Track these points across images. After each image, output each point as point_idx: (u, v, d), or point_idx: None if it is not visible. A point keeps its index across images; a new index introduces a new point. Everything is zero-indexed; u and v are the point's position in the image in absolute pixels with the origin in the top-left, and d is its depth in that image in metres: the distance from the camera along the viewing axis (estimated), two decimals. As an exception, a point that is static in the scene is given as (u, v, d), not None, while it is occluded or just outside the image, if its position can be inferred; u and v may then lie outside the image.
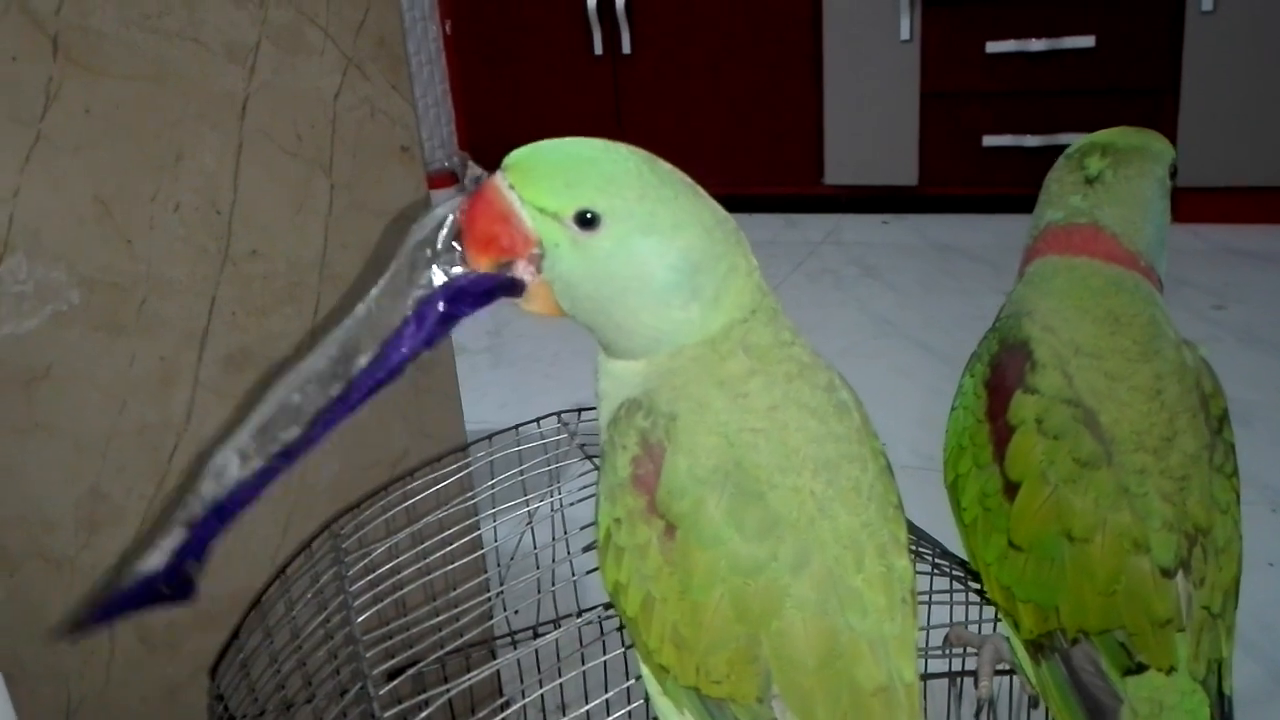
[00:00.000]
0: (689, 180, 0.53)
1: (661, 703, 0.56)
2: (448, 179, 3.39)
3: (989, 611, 0.74)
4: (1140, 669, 0.57)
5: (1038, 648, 0.60)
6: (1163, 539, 0.57)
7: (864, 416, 0.56)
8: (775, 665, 0.50)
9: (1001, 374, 0.61)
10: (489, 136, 3.56)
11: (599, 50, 3.30)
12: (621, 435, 0.53)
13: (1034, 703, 0.66)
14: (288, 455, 0.53)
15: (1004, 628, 0.65)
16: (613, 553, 0.53)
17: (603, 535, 0.54)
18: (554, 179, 0.50)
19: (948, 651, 0.75)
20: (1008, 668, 0.68)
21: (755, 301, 0.54)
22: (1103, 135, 0.69)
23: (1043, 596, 0.58)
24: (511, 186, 0.50)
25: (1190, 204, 2.87)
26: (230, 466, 0.54)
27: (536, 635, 0.87)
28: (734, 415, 0.52)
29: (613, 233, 0.50)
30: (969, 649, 0.72)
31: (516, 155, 0.51)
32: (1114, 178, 0.66)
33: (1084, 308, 0.62)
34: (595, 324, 0.53)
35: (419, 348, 0.51)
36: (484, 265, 0.51)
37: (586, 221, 0.50)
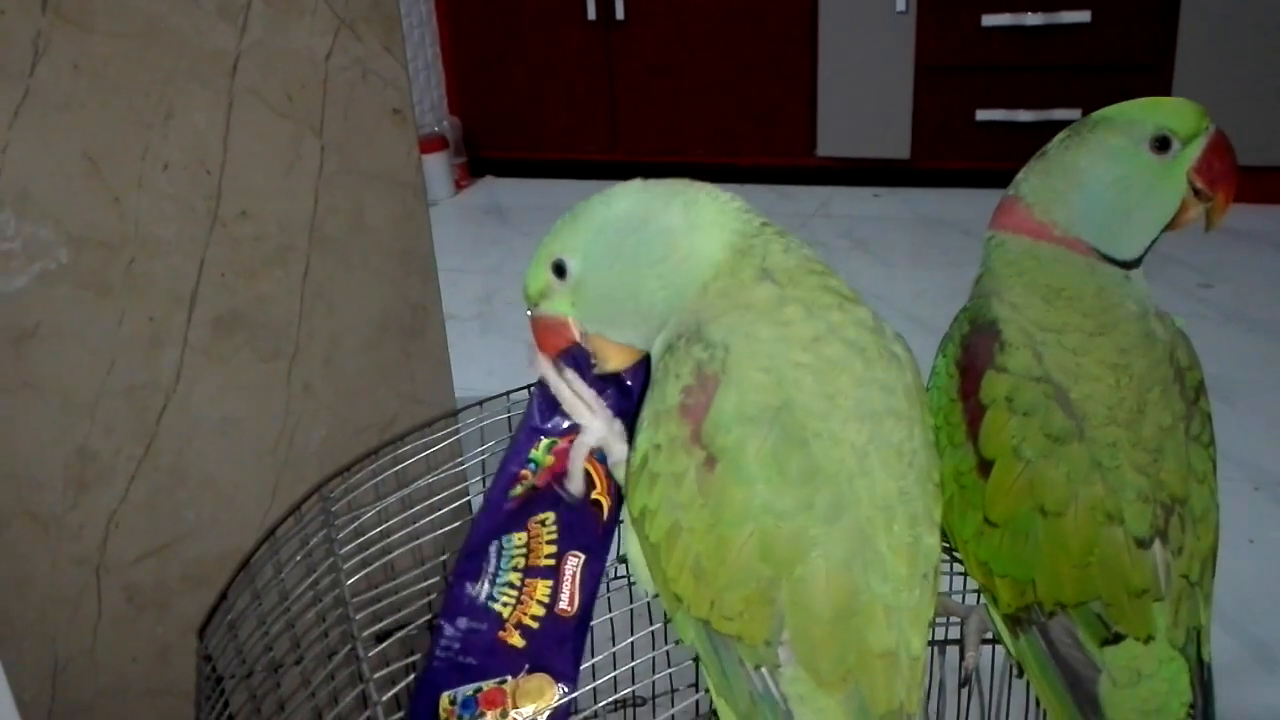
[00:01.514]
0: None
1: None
2: (438, 143, 3.37)
3: (973, 583, 0.75)
4: (1117, 639, 0.58)
5: (1016, 621, 0.61)
6: (1136, 510, 0.57)
7: (919, 383, 0.56)
8: (790, 611, 0.51)
9: (972, 354, 0.61)
10: (480, 101, 3.53)
11: (592, 15, 3.27)
12: (677, 363, 0.54)
13: (1019, 672, 0.67)
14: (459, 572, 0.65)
15: (986, 601, 0.65)
16: (646, 477, 0.54)
17: (639, 459, 0.55)
18: (530, 277, 0.61)
19: (933, 621, 0.75)
20: (993, 637, 0.68)
21: (741, 220, 0.57)
22: (1113, 108, 0.67)
23: (1019, 571, 0.59)
24: (530, 310, 0.62)
25: (1181, 182, 2.87)
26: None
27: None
28: (780, 347, 0.53)
29: (577, 257, 0.58)
30: (954, 618, 0.73)
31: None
32: (1056, 149, 0.65)
33: (1026, 283, 0.63)
34: (639, 325, 0.58)
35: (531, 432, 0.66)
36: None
37: (562, 272, 0.59)
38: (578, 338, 0.62)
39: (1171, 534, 0.59)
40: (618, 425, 0.63)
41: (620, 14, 3.24)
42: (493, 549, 0.65)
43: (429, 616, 0.72)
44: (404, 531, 0.74)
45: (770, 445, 0.51)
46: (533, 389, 0.67)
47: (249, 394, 0.88)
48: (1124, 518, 0.57)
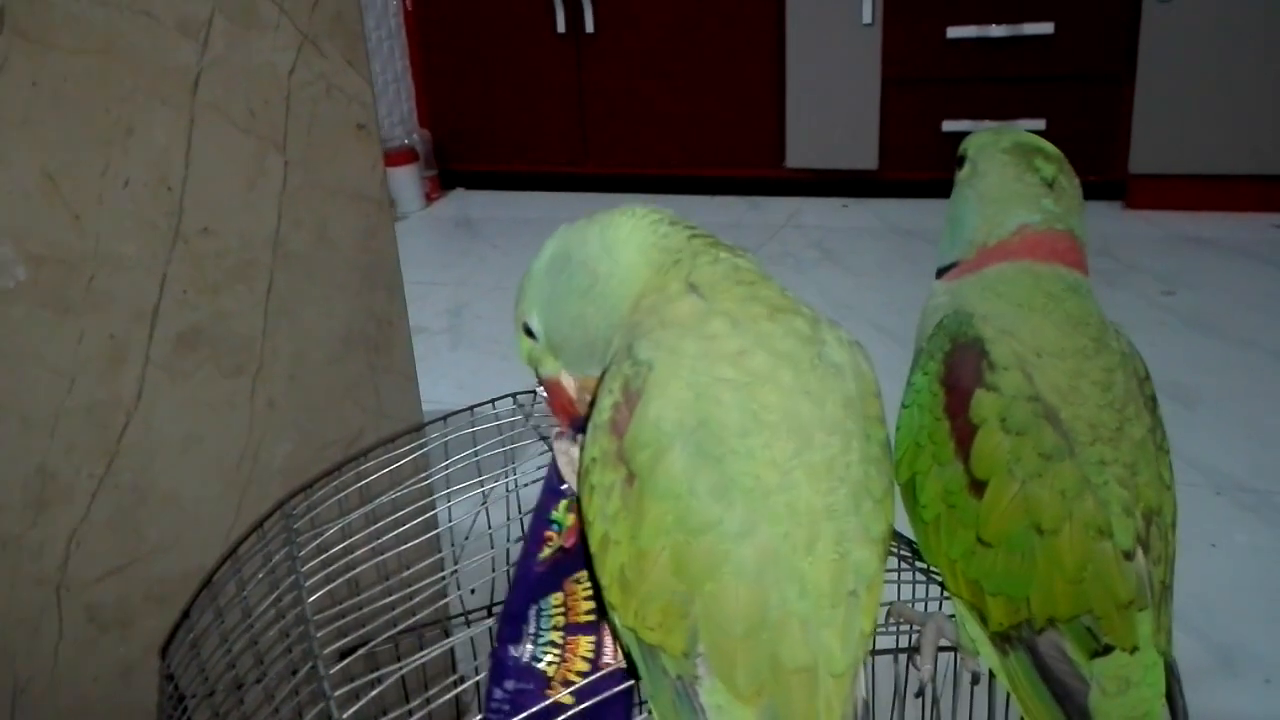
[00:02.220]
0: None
1: None
2: (408, 155, 3.36)
3: (934, 590, 0.76)
4: (1106, 651, 0.59)
5: (1005, 639, 0.61)
6: (1122, 524, 0.59)
7: (866, 392, 0.56)
8: (703, 625, 0.51)
9: (957, 372, 0.61)
10: (450, 114, 3.53)
11: (561, 28, 3.28)
12: (610, 379, 0.55)
13: (974, 680, 0.67)
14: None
15: (958, 612, 0.65)
16: (587, 489, 0.56)
17: (584, 468, 0.57)
18: (519, 349, 0.65)
19: (890, 628, 0.76)
20: (949, 645, 0.69)
21: (659, 234, 0.59)
22: (1021, 136, 0.68)
23: (1014, 588, 0.59)
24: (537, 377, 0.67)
25: (1143, 191, 2.91)
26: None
27: (490, 614, 0.87)
28: (703, 363, 0.53)
29: (534, 314, 0.62)
30: (912, 626, 0.73)
31: None
32: (1068, 185, 0.66)
33: (1047, 312, 0.63)
34: (597, 353, 0.61)
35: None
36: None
37: (531, 333, 0.63)
38: (572, 390, 0.64)
39: (1152, 544, 0.60)
40: None
41: (590, 27, 3.26)
42: (532, 612, 0.66)
43: (392, 632, 0.72)
44: (368, 547, 0.74)
45: (683, 462, 0.51)
46: (551, 453, 0.69)
47: (212, 411, 0.88)
48: (1113, 532, 0.58)
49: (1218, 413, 1.85)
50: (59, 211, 0.77)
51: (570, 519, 0.66)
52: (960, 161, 0.70)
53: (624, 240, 0.59)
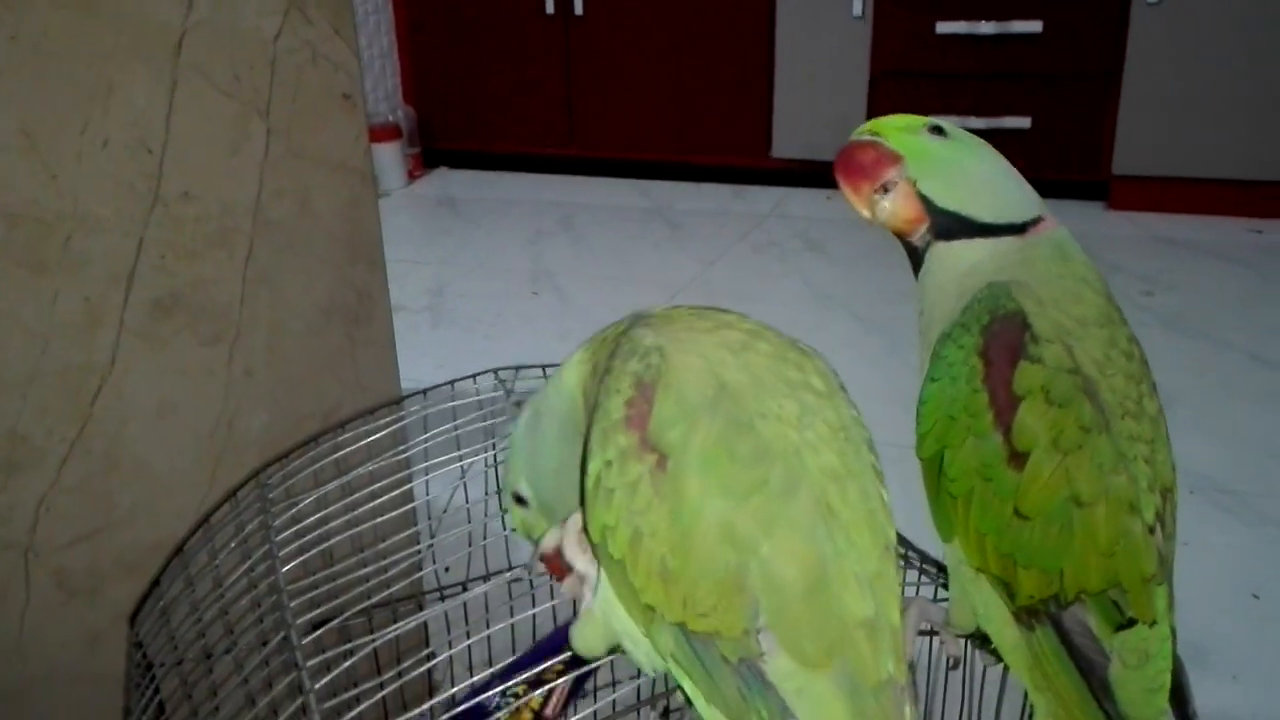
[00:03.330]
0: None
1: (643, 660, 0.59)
2: (391, 132, 3.34)
3: (912, 574, 0.76)
4: (1130, 624, 0.60)
5: (1031, 614, 0.61)
6: (1147, 500, 0.60)
7: (831, 371, 0.59)
8: (764, 592, 0.51)
9: (999, 344, 0.60)
10: (435, 92, 3.50)
11: (550, 9, 3.26)
12: (616, 380, 0.55)
13: (953, 665, 0.67)
14: None
15: (967, 589, 0.65)
16: (602, 496, 0.54)
17: (591, 482, 0.55)
18: (514, 521, 0.68)
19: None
20: (929, 629, 0.69)
21: (591, 340, 0.62)
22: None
23: (1048, 561, 0.60)
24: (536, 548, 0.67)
25: (1126, 192, 2.93)
26: None
27: (465, 589, 0.87)
28: (696, 335, 0.56)
29: (521, 483, 0.65)
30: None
31: None
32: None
33: (1087, 279, 0.64)
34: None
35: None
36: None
37: (523, 500, 0.66)
38: (574, 539, 0.64)
39: (1166, 521, 0.61)
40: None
41: (579, 9, 3.24)
42: None
43: (365, 605, 0.72)
44: (343, 519, 0.74)
45: (717, 431, 0.52)
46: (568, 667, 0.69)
47: (187, 378, 0.87)
48: (1141, 507, 0.59)
49: (1194, 413, 1.86)
50: (36, 169, 0.75)
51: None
52: (939, 130, 0.67)
53: (569, 376, 0.62)
